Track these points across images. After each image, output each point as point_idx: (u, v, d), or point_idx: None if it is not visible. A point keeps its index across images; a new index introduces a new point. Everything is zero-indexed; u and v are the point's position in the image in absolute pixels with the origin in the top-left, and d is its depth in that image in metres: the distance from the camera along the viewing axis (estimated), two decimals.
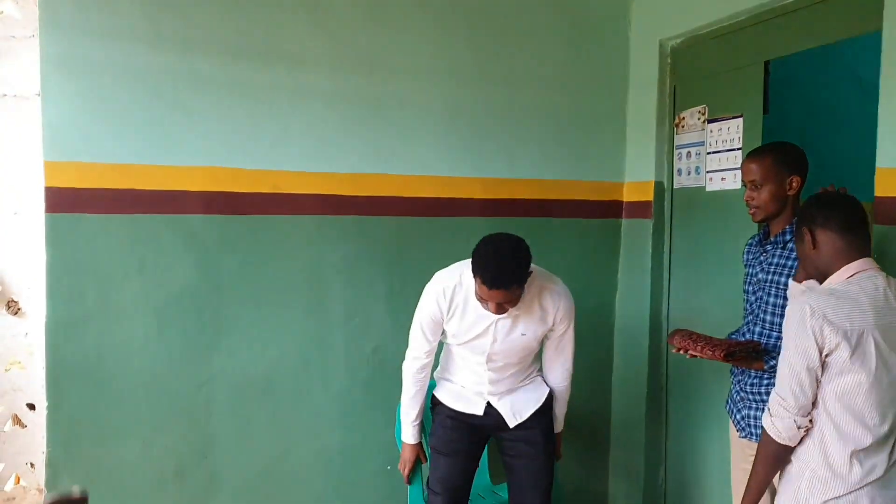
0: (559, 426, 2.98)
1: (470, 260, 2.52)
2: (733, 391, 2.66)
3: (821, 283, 2.11)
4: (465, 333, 2.69)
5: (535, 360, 2.90)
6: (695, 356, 2.46)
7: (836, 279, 2.05)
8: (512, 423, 2.80)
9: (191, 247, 3.05)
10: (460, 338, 2.71)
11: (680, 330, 2.58)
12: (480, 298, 2.52)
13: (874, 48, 3.13)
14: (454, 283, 2.66)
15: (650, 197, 3.54)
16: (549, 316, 2.69)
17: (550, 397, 2.89)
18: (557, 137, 3.60)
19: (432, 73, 3.36)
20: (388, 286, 3.34)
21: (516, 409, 2.81)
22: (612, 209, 3.72)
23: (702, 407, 3.37)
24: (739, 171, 3.06)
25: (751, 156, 2.50)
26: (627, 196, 3.70)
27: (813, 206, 2.15)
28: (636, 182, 3.64)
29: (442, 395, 2.89)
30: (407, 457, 2.93)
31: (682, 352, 2.50)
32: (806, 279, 2.22)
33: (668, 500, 3.62)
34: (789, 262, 2.44)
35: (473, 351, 2.73)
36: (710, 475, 3.34)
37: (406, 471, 2.94)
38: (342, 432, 3.28)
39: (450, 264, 3.39)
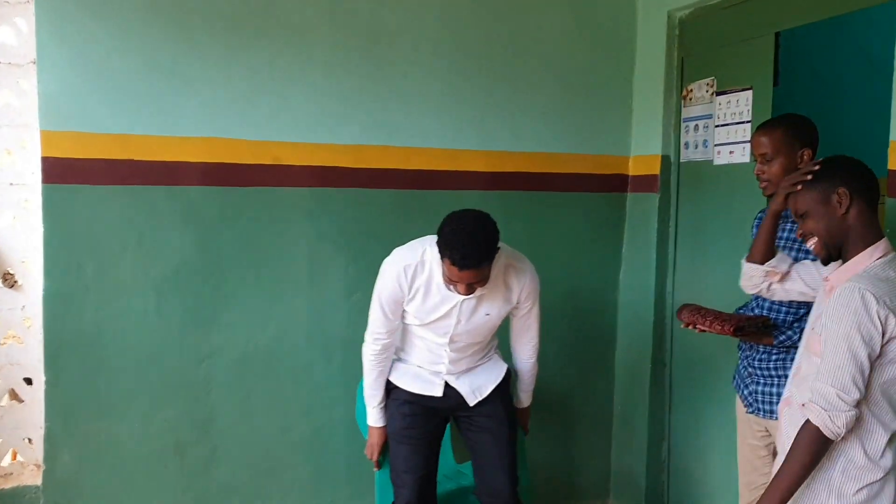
0: (528, 400, 2.95)
1: (430, 237, 2.50)
2: (740, 366, 2.62)
3: (828, 256, 1.99)
4: (427, 315, 2.59)
5: (494, 338, 2.83)
6: (704, 331, 2.42)
7: (866, 260, 1.92)
8: (472, 402, 2.71)
9: (190, 219, 3.00)
10: (422, 319, 2.60)
11: (688, 305, 2.54)
12: (448, 280, 2.42)
13: (883, 22, 3.07)
14: (415, 262, 2.54)
15: (657, 171, 3.48)
16: (513, 294, 2.63)
17: (508, 374, 2.83)
18: (562, 110, 3.54)
19: (435, 44, 3.29)
20: None
21: (475, 387, 2.73)
22: (617, 183, 3.67)
23: (706, 381, 3.34)
24: (749, 145, 3.02)
25: (761, 128, 2.45)
26: (633, 170, 3.65)
27: (851, 167, 1.97)
28: (642, 156, 3.58)
29: (397, 377, 2.75)
30: (375, 441, 2.78)
31: (690, 327, 2.46)
32: (818, 251, 2.02)
33: (672, 475, 3.60)
34: None
35: (435, 332, 2.63)
36: (714, 450, 3.31)
37: (374, 456, 2.80)
38: (343, 408, 3.24)
39: None
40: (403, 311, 2.63)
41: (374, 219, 3.26)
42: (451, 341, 2.65)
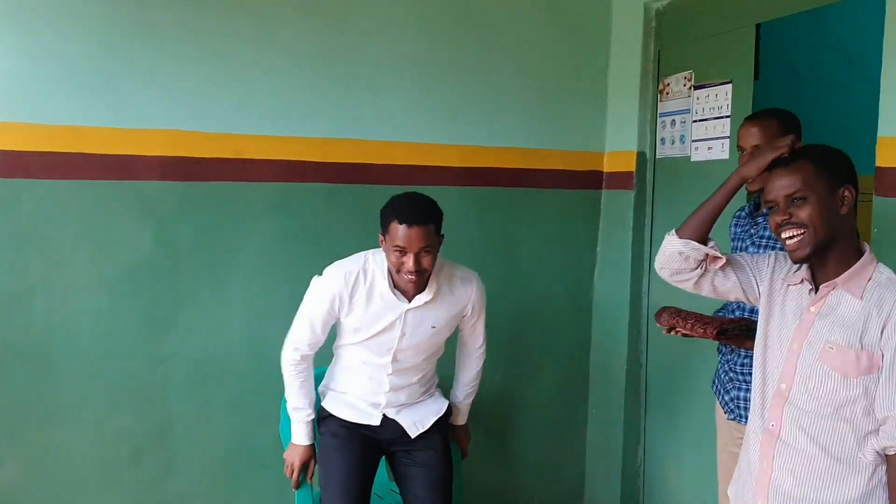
0: (465, 416, 2.86)
1: (369, 251, 2.52)
2: (720, 371, 2.53)
3: (811, 254, 1.75)
4: (369, 327, 2.49)
5: (436, 375, 2.77)
6: (685, 335, 2.32)
7: (873, 263, 1.78)
8: (413, 433, 2.60)
9: (146, 216, 2.85)
10: (364, 332, 2.50)
11: (667, 308, 2.44)
12: (396, 252, 2.32)
13: (858, 17, 3.00)
14: (357, 269, 2.47)
15: (632, 167, 3.39)
16: (461, 301, 2.58)
17: (450, 410, 2.75)
18: (536, 104, 3.43)
19: (407, 33, 3.16)
20: None
21: (416, 419, 2.63)
22: (592, 180, 3.57)
23: (682, 384, 3.26)
24: (727, 141, 2.93)
25: (753, 120, 2.35)
26: (608, 166, 3.55)
27: (849, 162, 1.79)
28: (618, 152, 3.49)
29: (331, 405, 2.64)
30: (296, 461, 2.61)
31: (671, 331, 2.37)
32: (802, 245, 1.75)
33: (647, 480, 3.52)
34: None
35: (378, 350, 2.53)
36: (691, 455, 3.23)
37: (295, 475, 2.62)
38: None
39: None
40: (340, 324, 2.55)
41: (343, 216, 3.12)
42: (395, 360, 2.55)
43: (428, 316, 2.51)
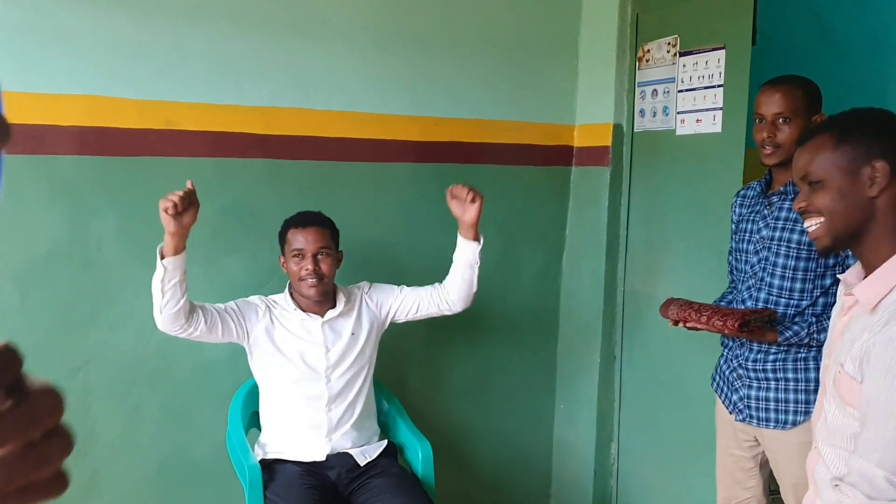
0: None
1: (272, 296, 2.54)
2: (724, 367, 2.28)
3: (831, 247, 1.51)
4: (293, 342, 2.43)
5: (373, 417, 2.62)
6: (696, 328, 2.06)
7: None
8: (363, 461, 2.46)
9: (60, 196, 2.44)
10: (288, 349, 2.43)
11: (676, 299, 2.18)
12: (294, 258, 2.39)
13: None
14: (272, 299, 2.52)
15: (607, 142, 3.09)
16: (370, 305, 2.57)
17: (394, 447, 2.60)
18: (502, 72, 3.10)
19: None
20: None
21: (363, 451, 2.49)
22: (561, 155, 3.27)
23: (661, 378, 3.02)
24: (719, 112, 2.67)
25: (777, 84, 2.09)
26: (579, 141, 3.25)
27: (884, 128, 1.48)
28: (590, 124, 3.19)
29: (273, 450, 2.47)
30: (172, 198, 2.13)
31: (680, 324, 2.10)
32: (819, 236, 1.52)
33: (621, 480, 3.27)
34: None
35: (309, 377, 2.43)
36: (671, 454, 3.00)
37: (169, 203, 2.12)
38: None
39: (381, 219, 2.94)
40: (261, 367, 2.48)
41: (287, 196, 2.75)
42: (328, 379, 2.44)
43: (344, 325, 2.50)
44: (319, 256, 2.39)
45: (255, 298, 2.50)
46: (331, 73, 2.78)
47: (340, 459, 2.44)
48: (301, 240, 2.39)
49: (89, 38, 2.41)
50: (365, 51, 2.82)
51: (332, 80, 2.78)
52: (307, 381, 2.44)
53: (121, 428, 2.60)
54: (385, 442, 2.57)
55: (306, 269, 2.37)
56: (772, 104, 2.06)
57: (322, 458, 2.43)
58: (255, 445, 2.51)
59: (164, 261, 2.16)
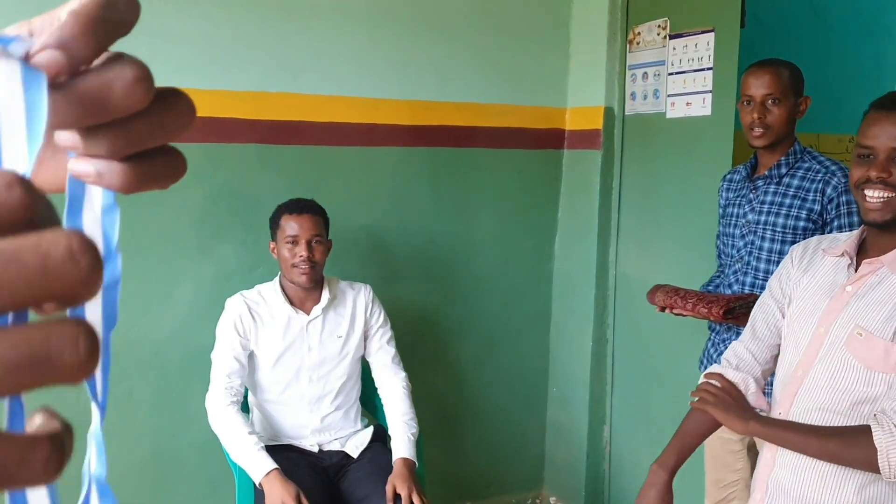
0: (407, 450, 2.36)
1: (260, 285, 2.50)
2: (711, 351, 2.29)
3: (890, 224, 1.49)
4: (277, 343, 2.40)
5: (358, 403, 2.59)
6: (681, 315, 2.07)
7: None
8: (355, 454, 2.47)
9: None
10: (273, 352, 2.40)
11: (662, 286, 2.19)
12: (287, 244, 2.37)
13: None
14: (253, 295, 2.46)
15: (599, 125, 3.08)
16: (358, 306, 2.53)
17: (383, 431, 2.56)
18: (492, 54, 3.08)
19: None
20: None
21: (353, 442, 2.50)
22: (552, 139, 3.26)
23: (654, 362, 3.01)
24: (709, 95, 2.66)
25: (764, 66, 2.08)
26: (571, 124, 3.24)
27: None
28: (581, 107, 3.18)
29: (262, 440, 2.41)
30: (283, 496, 2.11)
31: (667, 310, 2.10)
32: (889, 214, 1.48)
33: (613, 463, 3.28)
34: (787, 200, 2.07)
35: (293, 379, 2.42)
36: (663, 437, 2.99)
37: None
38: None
39: (371, 204, 2.93)
40: (253, 358, 2.43)
41: (276, 181, 2.75)
42: (310, 381, 2.43)
43: (331, 325, 2.47)
44: (313, 243, 2.38)
45: (237, 318, 2.38)
46: (320, 57, 2.76)
47: (332, 453, 2.46)
48: (295, 226, 2.37)
49: None
50: (354, 34, 2.81)
51: (321, 64, 2.77)
52: (291, 382, 2.43)
53: (113, 414, 2.60)
54: (372, 428, 2.56)
55: (300, 256, 2.35)
56: (761, 85, 2.05)
57: (315, 450, 2.45)
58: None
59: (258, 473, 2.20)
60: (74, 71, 0.30)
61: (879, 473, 1.40)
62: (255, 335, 2.40)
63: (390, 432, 2.44)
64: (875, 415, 1.44)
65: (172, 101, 0.34)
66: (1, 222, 0.26)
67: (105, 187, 0.34)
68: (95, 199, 0.34)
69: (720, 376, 1.73)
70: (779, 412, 1.64)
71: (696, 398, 1.71)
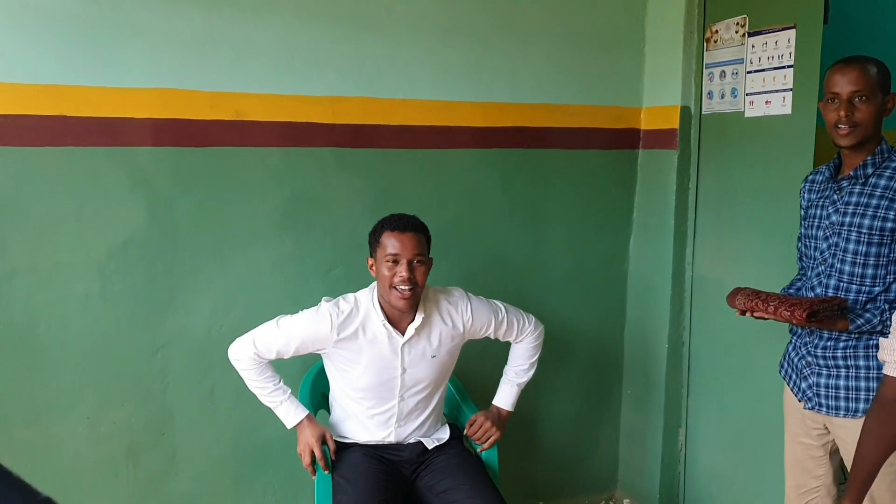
0: (506, 401, 2.66)
1: (360, 291, 2.44)
2: (792, 355, 2.24)
3: None
4: (372, 362, 2.37)
5: (442, 414, 2.64)
6: (763, 318, 2.03)
7: None
8: (431, 446, 2.49)
9: (137, 186, 2.54)
10: (366, 371, 2.38)
11: (743, 289, 2.15)
12: (388, 263, 2.28)
13: None
14: (350, 306, 2.38)
15: (675, 125, 3.05)
16: (458, 327, 2.48)
17: (458, 429, 2.62)
18: (566, 55, 3.08)
19: None
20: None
21: (432, 437, 2.54)
22: (627, 139, 3.23)
23: (731, 365, 2.97)
24: (789, 94, 2.61)
25: (851, 63, 2.02)
26: (646, 124, 3.21)
27: None
28: (657, 107, 3.15)
29: (339, 437, 2.50)
30: (311, 441, 2.37)
31: (748, 313, 2.07)
32: None
33: (689, 467, 3.24)
34: (873, 201, 2.01)
35: (383, 396, 2.42)
36: (741, 441, 2.96)
37: (307, 457, 2.39)
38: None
39: (445, 206, 2.95)
40: (336, 374, 2.45)
41: (354, 183, 2.82)
42: (401, 398, 2.43)
43: (424, 345, 2.42)
44: (415, 263, 2.29)
45: (327, 322, 2.35)
46: (395, 62, 2.80)
47: (409, 447, 2.48)
48: (397, 244, 2.28)
49: (162, 33, 2.50)
50: (428, 39, 2.84)
51: (395, 69, 2.81)
52: (379, 399, 2.43)
53: (197, 409, 2.71)
54: (448, 427, 2.59)
55: (400, 276, 2.26)
56: (847, 82, 1.99)
57: (393, 440, 2.47)
58: (326, 426, 2.55)
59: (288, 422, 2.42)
60: None
61: None
62: (348, 348, 2.37)
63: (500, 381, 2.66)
64: None
65: None
66: None
67: None
68: None
69: None
70: None
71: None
